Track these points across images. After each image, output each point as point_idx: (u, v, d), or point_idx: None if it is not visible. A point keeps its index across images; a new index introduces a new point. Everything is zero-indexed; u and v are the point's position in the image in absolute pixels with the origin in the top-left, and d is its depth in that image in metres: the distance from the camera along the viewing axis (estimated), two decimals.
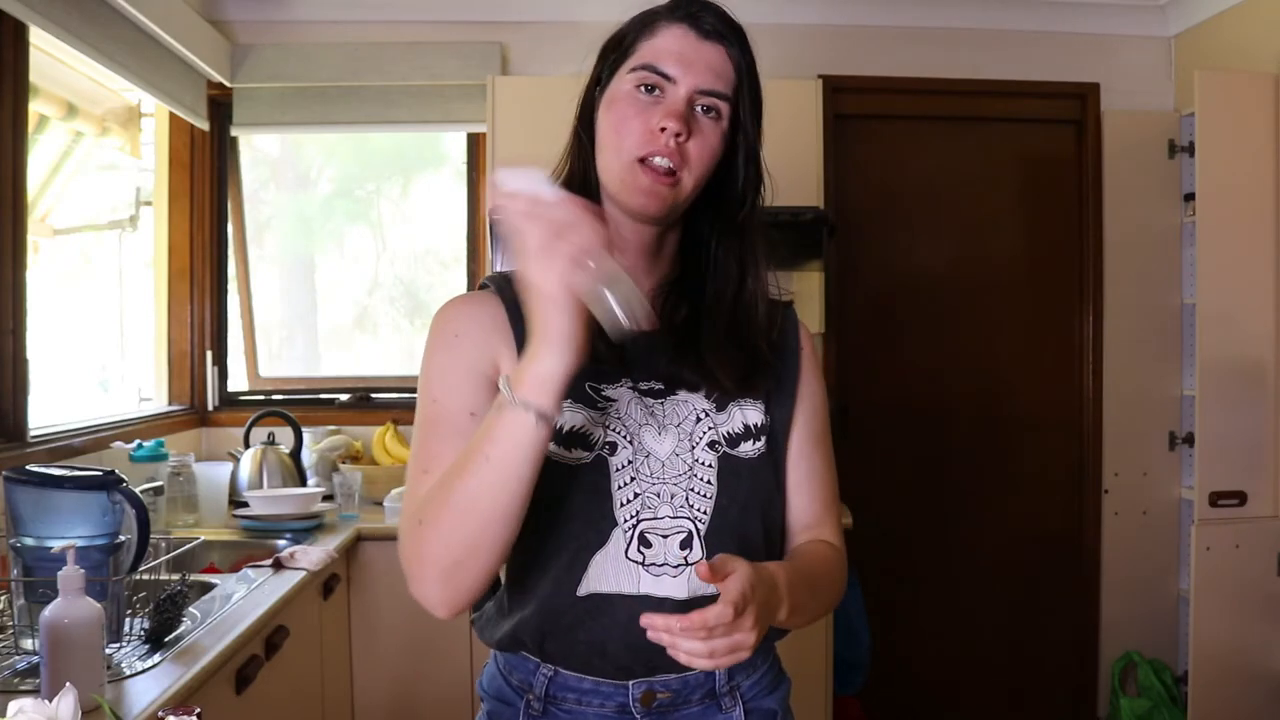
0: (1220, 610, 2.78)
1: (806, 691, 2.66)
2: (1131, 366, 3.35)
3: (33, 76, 2.34)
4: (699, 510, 1.04)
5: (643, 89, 1.03)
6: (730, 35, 1.05)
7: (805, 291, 3.09)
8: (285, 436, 2.95)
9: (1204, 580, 2.78)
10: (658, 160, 1.01)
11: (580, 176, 1.10)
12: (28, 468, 1.53)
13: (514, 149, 2.84)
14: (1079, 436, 3.40)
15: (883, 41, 3.31)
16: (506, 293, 1.08)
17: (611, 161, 1.04)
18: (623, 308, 0.85)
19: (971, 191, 3.39)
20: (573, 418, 1.03)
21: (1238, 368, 2.85)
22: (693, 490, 1.04)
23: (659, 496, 1.03)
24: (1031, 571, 3.42)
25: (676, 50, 1.03)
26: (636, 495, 1.03)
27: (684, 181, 1.02)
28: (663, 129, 1.00)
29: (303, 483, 2.89)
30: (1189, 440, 3.19)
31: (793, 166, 2.92)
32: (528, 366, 0.89)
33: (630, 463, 1.03)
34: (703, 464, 1.05)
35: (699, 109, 1.03)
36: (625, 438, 1.04)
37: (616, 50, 1.08)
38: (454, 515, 0.93)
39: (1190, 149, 3.09)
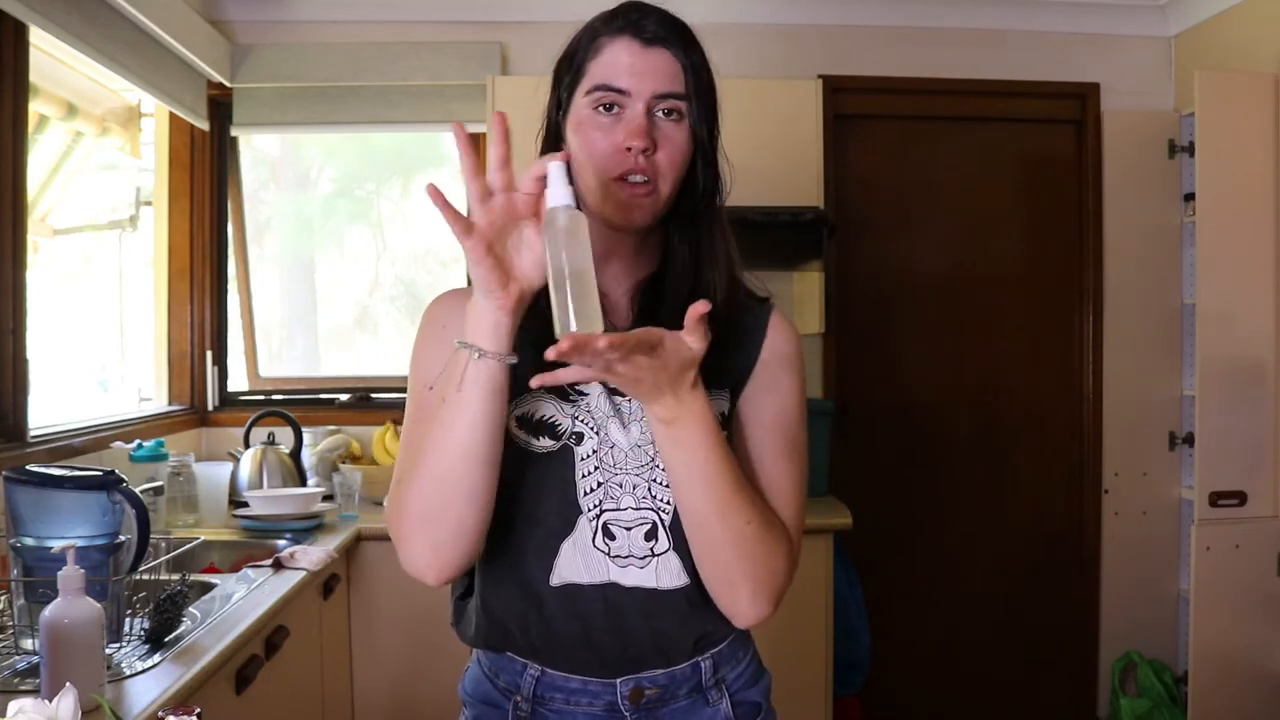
0: (1220, 610, 2.78)
1: (806, 691, 2.66)
2: (1131, 366, 3.35)
3: (33, 76, 2.34)
4: (662, 501, 1.05)
5: (601, 109, 1.04)
6: (674, 36, 1.05)
7: (805, 291, 3.09)
8: (285, 436, 2.95)
9: (1204, 580, 2.78)
10: (632, 178, 1.02)
11: None
12: (28, 468, 1.53)
13: (514, 149, 2.83)
14: (1079, 436, 3.40)
15: (883, 41, 3.31)
16: None
17: (589, 182, 1.04)
18: (575, 311, 0.87)
19: (971, 191, 3.39)
20: (543, 407, 1.06)
21: (1238, 368, 2.85)
22: (655, 481, 1.05)
23: (621, 487, 1.05)
24: (1031, 572, 3.42)
25: (625, 63, 1.03)
26: (600, 484, 1.05)
27: (661, 189, 1.04)
28: (629, 148, 1.01)
29: (303, 483, 2.89)
30: (1189, 440, 3.19)
31: (793, 166, 2.92)
32: (470, 313, 0.94)
33: (595, 452, 1.05)
34: None
35: (659, 114, 1.03)
36: (592, 429, 1.05)
37: (569, 71, 1.08)
38: (424, 462, 0.97)
39: (1190, 149, 3.09)
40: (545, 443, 1.05)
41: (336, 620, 2.51)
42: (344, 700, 2.58)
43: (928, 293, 3.38)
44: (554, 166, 0.90)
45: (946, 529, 3.38)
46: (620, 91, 1.03)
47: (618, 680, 1.07)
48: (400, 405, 3.55)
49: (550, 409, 1.06)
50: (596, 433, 1.05)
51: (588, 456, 1.05)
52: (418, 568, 1.00)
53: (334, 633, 2.48)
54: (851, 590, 2.92)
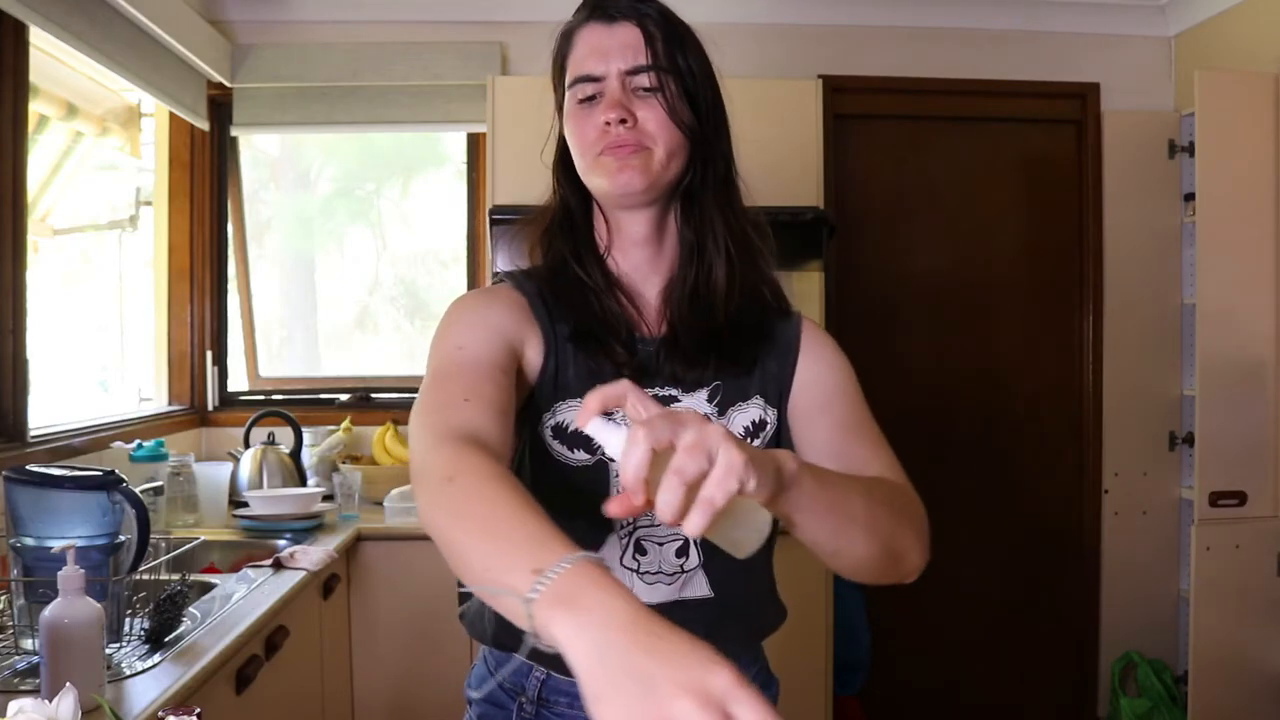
0: (1220, 610, 2.78)
1: (806, 691, 2.66)
2: (1131, 366, 3.35)
3: (33, 76, 2.33)
4: None
5: (584, 100, 1.05)
6: (631, 12, 1.05)
7: (805, 291, 3.09)
8: (285, 436, 2.95)
9: (1204, 580, 2.78)
10: (619, 149, 1.03)
11: (563, 208, 1.11)
12: (28, 468, 1.53)
13: (514, 149, 2.84)
14: (1079, 436, 3.40)
15: (883, 41, 3.31)
16: (527, 287, 1.08)
17: (583, 165, 1.06)
18: (748, 525, 0.77)
19: (972, 191, 3.39)
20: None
21: (1238, 368, 2.85)
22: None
23: None
24: (1031, 572, 3.41)
25: (592, 47, 1.05)
26: None
27: (655, 151, 1.03)
28: (607, 123, 1.02)
29: (303, 483, 2.89)
30: (1189, 440, 3.19)
31: (793, 166, 2.92)
32: (558, 615, 0.64)
33: None
34: None
35: (639, 91, 1.03)
36: None
37: (558, 74, 1.10)
38: (454, 551, 0.80)
39: (1190, 149, 3.09)
40: (581, 456, 1.03)
41: (336, 620, 2.51)
42: (344, 700, 2.58)
43: (928, 292, 3.38)
44: (593, 426, 0.78)
45: (946, 529, 3.35)
46: (594, 79, 1.04)
47: None
48: (399, 405, 3.55)
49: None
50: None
51: None
52: None
53: (334, 633, 2.48)
54: (851, 590, 2.92)
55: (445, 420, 0.88)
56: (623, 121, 1.01)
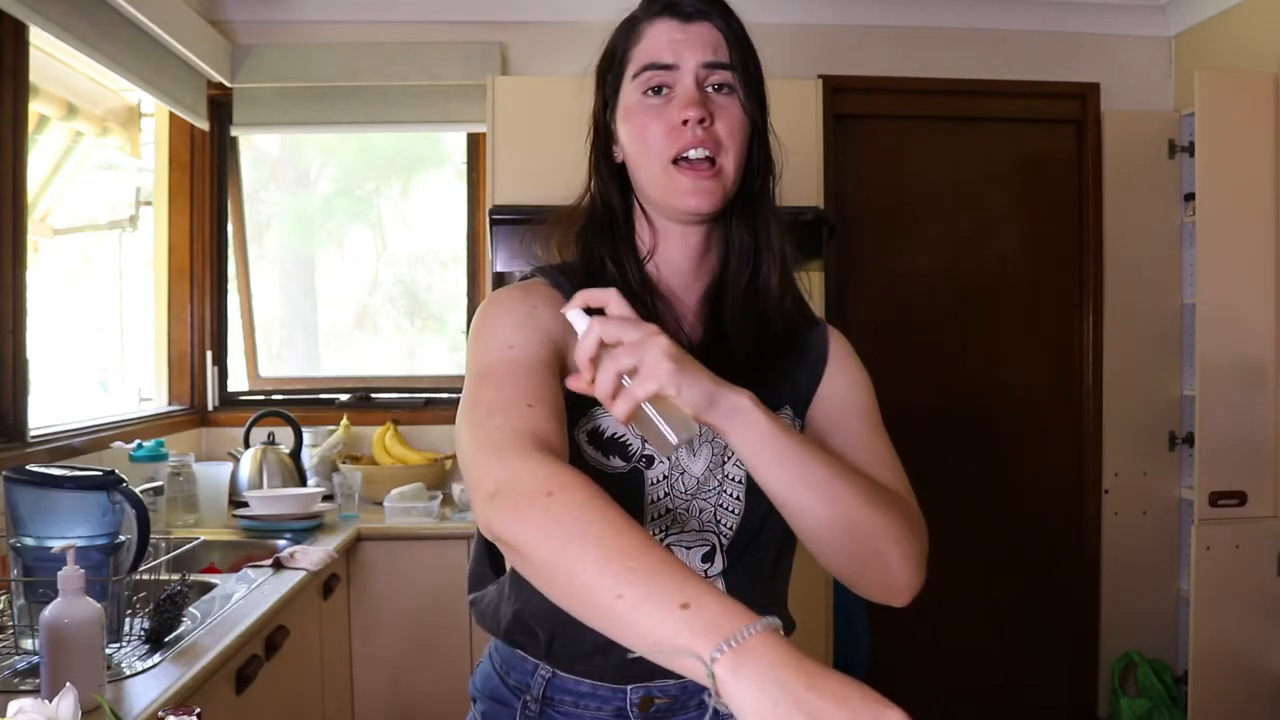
0: (1220, 610, 2.78)
1: None
2: (1131, 366, 3.35)
3: (33, 76, 2.33)
4: (725, 525, 1.05)
5: (650, 91, 0.99)
6: (713, 9, 1.01)
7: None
8: (285, 436, 2.95)
9: (1204, 580, 2.78)
10: (692, 154, 0.98)
11: (603, 207, 1.07)
12: (28, 468, 1.53)
13: (514, 149, 2.84)
14: (1079, 437, 3.40)
15: (883, 41, 3.31)
16: (565, 286, 1.03)
17: (648, 171, 1.01)
18: (670, 427, 0.83)
19: (972, 191, 3.39)
20: (613, 423, 1.01)
21: (1238, 368, 2.85)
22: (721, 506, 1.05)
23: (689, 512, 1.03)
24: (1031, 572, 3.41)
25: (667, 39, 0.99)
26: (668, 511, 1.03)
27: (725, 167, 0.99)
28: (684, 121, 0.97)
29: (303, 483, 2.89)
30: (1189, 440, 3.19)
31: (793, 166, 2.89)
32: (735, 670, 0.61)
33: (665, 478, 1.03)
34: (732, 480, 1.05)
35: (711, 88, 0.99)
36: None
37: (612, 66, 1.05)
38: (564, 573, 0.72)
39: (1190, 149, 3.09)
40: (616, 464, 1.01)
41: (336, 620, 2.51)
42: (344, 700, 2.58)
43: (928, 292, 3.38)
44: (572, 315, 0.87)
45: (946, 528, 3.35)
46: (667, 67, 0.99)
47: (628, 687, 1.05)
48: (399, 405, 3.55)
49: (619, 425, 1.01)
50: (667, 456, 1.02)
51: (658, 482, 1.03)
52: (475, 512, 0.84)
53: (334, 633, 2.48)
54: (852, 590, 2.92)
55: (512, 424, 0.84)
56: (701, 121, 0.96)
